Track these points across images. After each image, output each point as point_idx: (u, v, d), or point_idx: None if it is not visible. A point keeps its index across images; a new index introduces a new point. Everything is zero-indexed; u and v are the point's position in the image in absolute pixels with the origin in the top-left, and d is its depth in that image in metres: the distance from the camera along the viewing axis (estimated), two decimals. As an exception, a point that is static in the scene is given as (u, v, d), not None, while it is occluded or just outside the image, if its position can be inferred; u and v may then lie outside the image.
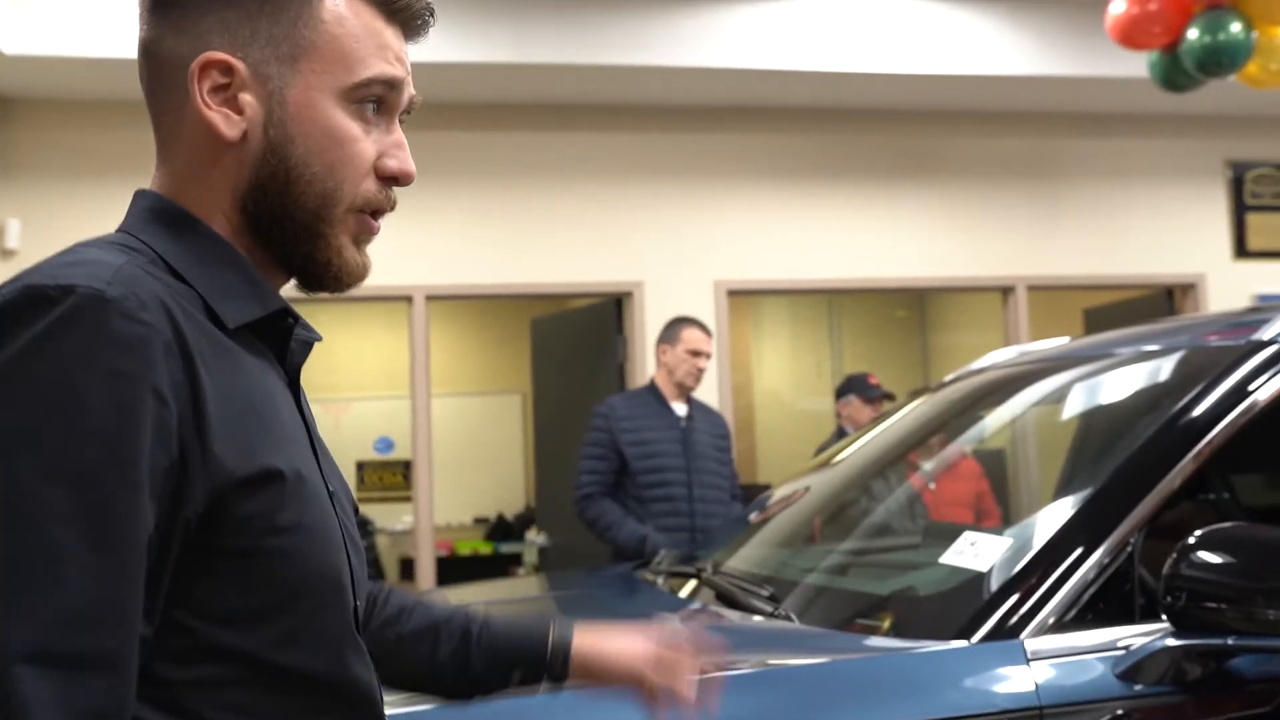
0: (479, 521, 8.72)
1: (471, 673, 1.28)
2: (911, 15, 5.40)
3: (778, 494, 3.34)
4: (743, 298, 6.59)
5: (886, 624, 2.09)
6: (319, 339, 1.07)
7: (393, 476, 8.62)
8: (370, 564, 5.83)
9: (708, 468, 3.96)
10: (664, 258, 5.76)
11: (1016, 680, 1.81)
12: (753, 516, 3.27)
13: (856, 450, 3.25)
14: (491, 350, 8.71)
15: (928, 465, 3.31)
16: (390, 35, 1.01)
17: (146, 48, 0.98)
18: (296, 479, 0.90)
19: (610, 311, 5.82)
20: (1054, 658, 1.85)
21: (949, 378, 3.29)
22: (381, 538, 8.28)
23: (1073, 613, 1.91)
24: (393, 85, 1.00)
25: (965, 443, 3.30)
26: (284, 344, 1.01)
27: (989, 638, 1.88)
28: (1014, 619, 1.89)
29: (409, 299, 5.53)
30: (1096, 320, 6.60)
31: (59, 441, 0.78)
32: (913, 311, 9.11)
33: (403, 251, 5.51)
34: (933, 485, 3.47)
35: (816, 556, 2.84)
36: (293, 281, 1.03)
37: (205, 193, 0.96)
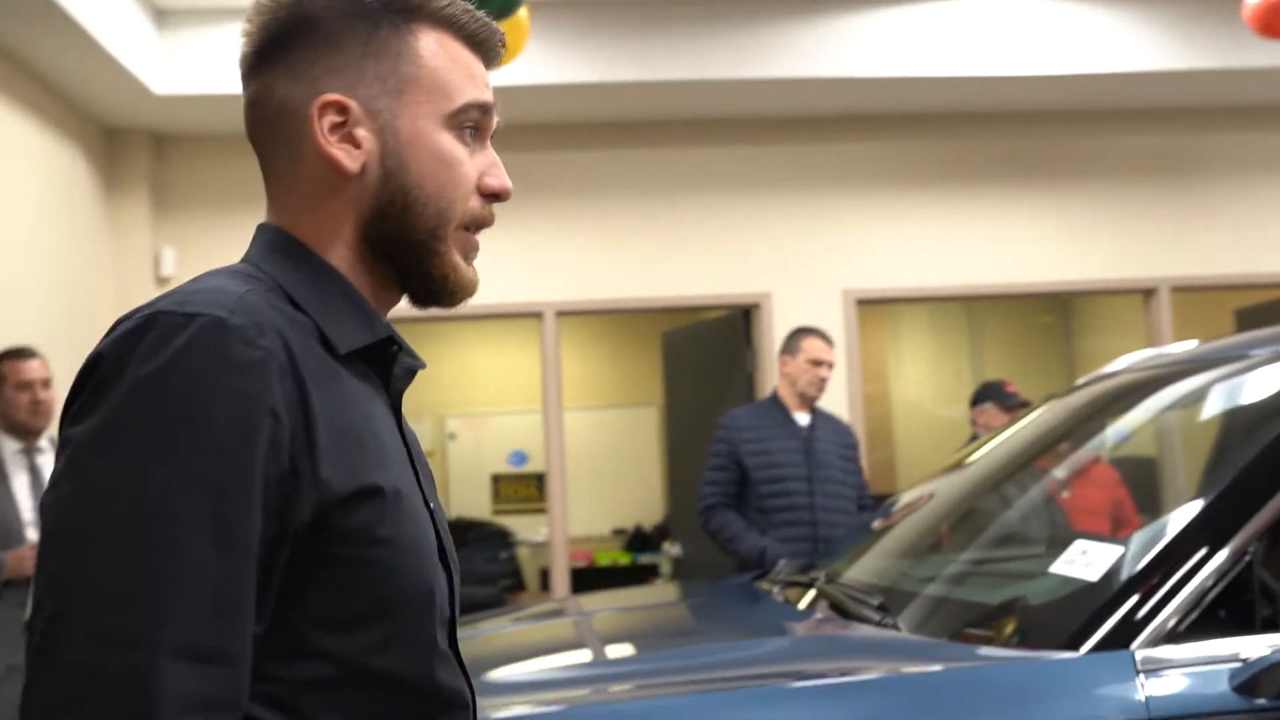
0: (618, 533, 8.81)
1: None
2: (1042, 16, 5.29)
3: (902, 501, 3.32)
4: (878, 306, 6.53)
5: (993, 634, 2.06)
6: (422, 366, 1.12)
7: (527, 489, 8.78)
8: (511, 574, 5.90)
9: (831, 477, 3.94)
10: (791, 269, 5.75)
11: (1125, 692, 1.77)
12: (876, 524, 3.25)
13: (984, 456, 3.20)
14: (628, 363, 8.80)
15: (1061, 472, 3.24)
16: (476, 64, 1.07)
17: (256, 97, 1.06)
18: (395, 496, 0.97)
19: (739, 323, 5.84)
20: (1166, 669, 1.80)
21: (1080, 382, 3.22)
22: (522, 549, 8.44)
23: (1188, 623, 1.85)
24: (485, 109, 1.06)
25: (1096, 448, 3.21)
26: (388, 370, 1.06)
27: (1098, 648, 1.84)
28: (1124, 629, 1.85)
29: (539, 315, 5.64)
30: (1249, 321, 6.32)
31: (188, 456, 0.86)
32: (1057, 316, 8.86)
33: (532, 269, 5.64)
34: (1067, 493, 3.39)
35: (934, 565, 2.81)
36: (405, 300, 1.09)
37: (326, 223, 1.04)
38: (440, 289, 1.07)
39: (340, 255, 1.04)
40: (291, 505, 0.89)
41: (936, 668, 1.89)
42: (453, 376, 8.81)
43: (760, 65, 5.20)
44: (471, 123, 1.05)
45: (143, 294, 5.42)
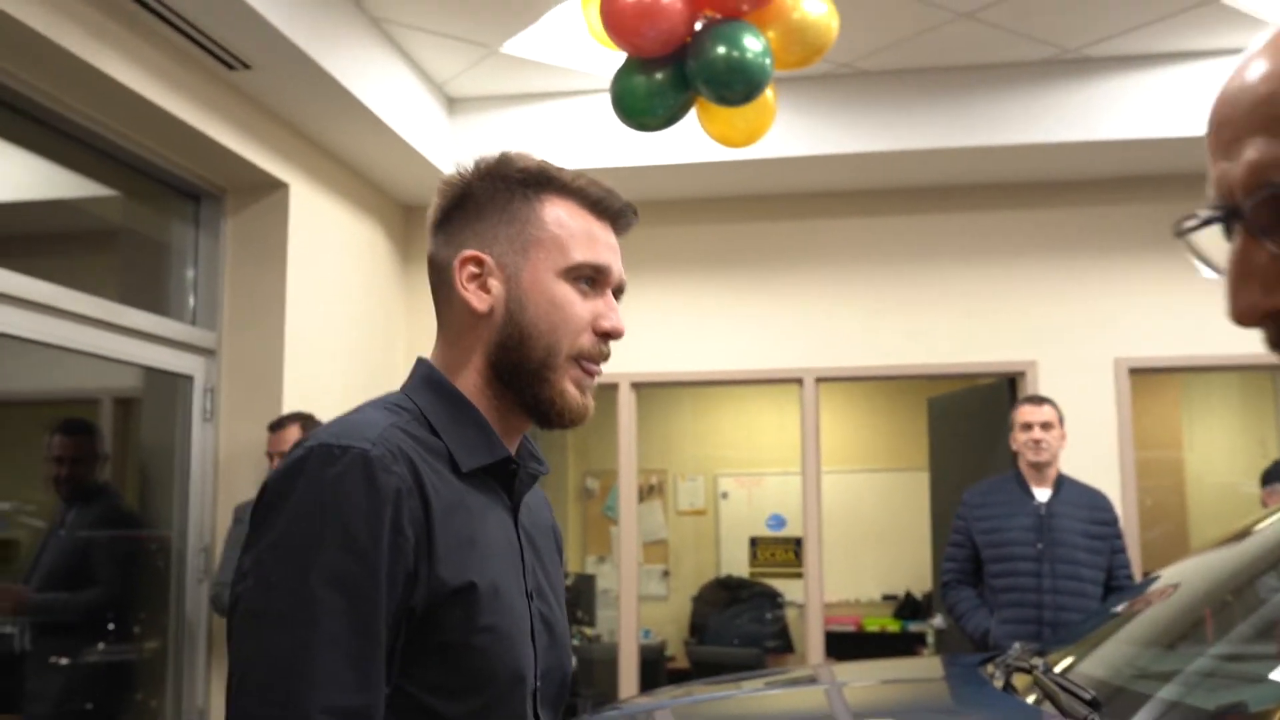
0: (888, 598, 8.69)
1: None
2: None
3: (1160, 582, 3.17)
4: (1169, 375, 6.21)
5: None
6: (545, 472, 1.36)
7: (784, 552, 8.80)
8: (778, 635, 6.02)
9: (1069, 557, 3.80)
10: (1058, 336, 5.58)
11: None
12: (1119, 608, 3.13)
13: (1261, 535, 3.02)
14: (897, 427, 8.70)
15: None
16: (600, 229, 1.30)
17: (430, 258, 1.33)
18: (491, 592, 1.19)
19: (1004, 391, 5.70)
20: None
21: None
22: (791, 610, 8.46)
23: None
24: (597, 269, 1.28)
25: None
26: (510, 481, 1.30)
27: (1310, 763, 1.75)
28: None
29: (799, 381, 5.72)
30: None
31: (337, 562, 1.10)
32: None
33: (793, 335, 5.73)
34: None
35: (1178, 659, 2.68)
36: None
37: (464, 352, 1.28)
38: (549, 410, 1.27)
39: (473, 381, 1.27)
40: (412, 596, 1.13)
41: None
42: (728, 437, 8.98)
43: (1023, 130, 5.12)
44: (585, 277, 1.27)
45: (432, 357, 5.89)
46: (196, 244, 4.71)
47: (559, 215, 1.28)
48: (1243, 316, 0.68)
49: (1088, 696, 2.19)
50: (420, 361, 1.32)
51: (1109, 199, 5.65)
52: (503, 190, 1.29)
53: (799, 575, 6.65)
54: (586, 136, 5.35)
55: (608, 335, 1.28)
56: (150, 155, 4.25)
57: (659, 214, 5.78)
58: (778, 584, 8.61)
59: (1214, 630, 2.82)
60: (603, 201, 1.30)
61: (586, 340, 1.27)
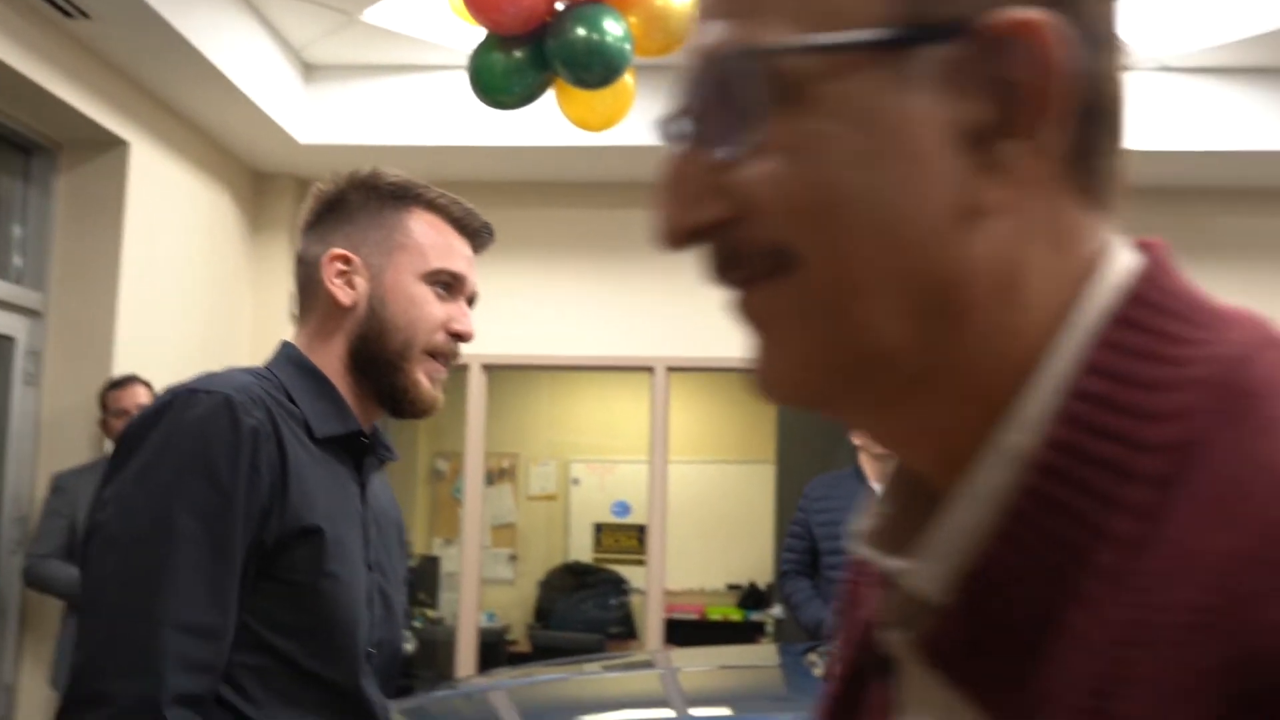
0: (733, 588, 8.80)
1: None
2: (1186, 93, 5.19)
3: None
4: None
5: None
6: (394, 459, 1.49)
7: (629, 539, 8.86)
8: (622, 621, 6.05)
9: (902, 552, 3.90)
10: (903, 335, 5.71)
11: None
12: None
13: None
14: (748, 419, 8.81)
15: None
16: (459, 243, 1.46)
17: (299, 256, 1.47)
18: (336, 541, 1.29)
19: (850, 387, 5.82)
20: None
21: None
22: (636, 598, 8.50)
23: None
24: (455, 276, 1.44)
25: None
26: (360, 457, 1.42)
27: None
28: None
29: (650, 370, 5.74)
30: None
31: (196, 491, 1.20)
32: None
33: (645, 324, 5.74)
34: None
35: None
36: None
37: (327, 341, 1.41)
38: (403, 399, 1.41)
39: (334, 367, 1.41)
40: (265, 530, 1.24)
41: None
42: (583, 422, 8.96)
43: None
44: (443, 282, 1.42)
45: (277, 329, 5.73)
46: (24, 200, 4.47)
47: (423, 226, 1.43)
48: (671, 236, 0.57)
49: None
50: (285, 344, 1.44)
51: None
52: (374, 199, 1.43)
53: (643, 562, 6.69)
54: (444, 112, 5.26)
55: (458, 337, 1.42)
56: (-23, 103, 4.03)
57: (516, 196, 5.72)
58: (625, 571, 8.64)
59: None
60: (463, 219, 1.46)
61: (440, 338, 1.41)
